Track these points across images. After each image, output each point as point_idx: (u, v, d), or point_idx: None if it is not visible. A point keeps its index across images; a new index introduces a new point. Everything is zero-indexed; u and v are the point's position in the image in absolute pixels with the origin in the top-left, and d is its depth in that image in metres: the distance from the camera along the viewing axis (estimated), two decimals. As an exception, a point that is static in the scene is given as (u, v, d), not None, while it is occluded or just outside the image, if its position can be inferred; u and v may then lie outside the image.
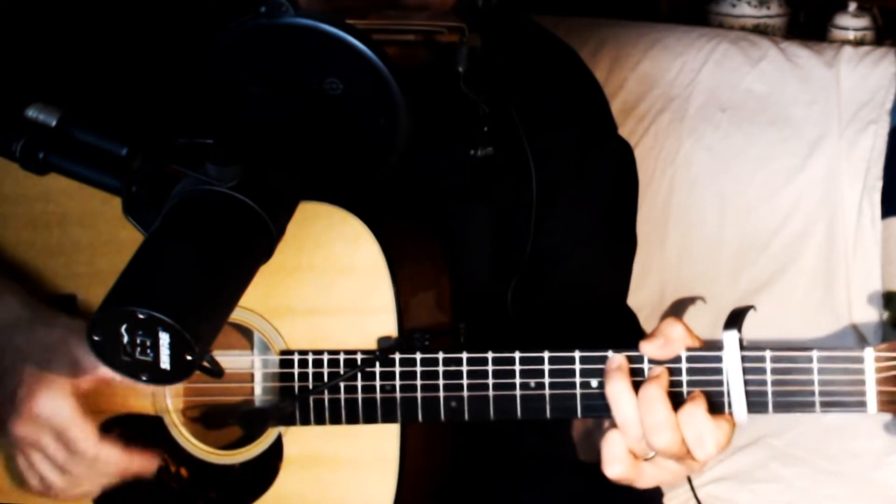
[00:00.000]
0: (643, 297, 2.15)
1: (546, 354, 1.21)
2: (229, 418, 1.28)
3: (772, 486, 2.03)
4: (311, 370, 1.24)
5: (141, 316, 0.95)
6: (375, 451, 1.25)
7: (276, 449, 1.27)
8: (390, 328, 1.24)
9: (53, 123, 1.06)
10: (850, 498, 2.01)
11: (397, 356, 1.22)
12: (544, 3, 2.06)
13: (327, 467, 1.26)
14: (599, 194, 1.47)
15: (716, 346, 1.18)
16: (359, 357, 1.23)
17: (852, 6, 2.47)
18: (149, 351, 0.96)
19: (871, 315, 2.18)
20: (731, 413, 1.19)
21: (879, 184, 2.19)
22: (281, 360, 1.25)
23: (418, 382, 1.22)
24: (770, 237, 2.23)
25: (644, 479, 1.20)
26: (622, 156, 1.53)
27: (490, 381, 1.22)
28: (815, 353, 1.18)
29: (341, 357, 1.23)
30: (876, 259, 2.18)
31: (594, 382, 1.20)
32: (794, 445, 2.09)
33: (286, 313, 1.25)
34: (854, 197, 2.21)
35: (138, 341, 0.96)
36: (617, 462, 1.18)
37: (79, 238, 1.28)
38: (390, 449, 1.25)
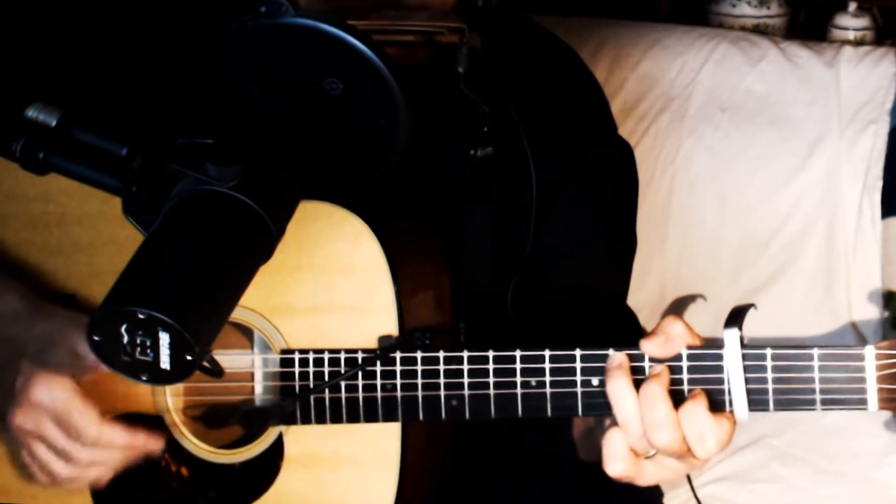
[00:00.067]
0: (643, 297, 2.15)
1: (547, 353, 1.21)
2: (230, 417, 1.28)
3: (772, 486, 2.03)
4: (311, 369, 1.24)
5: (141, 316, 0.95)
6: (376, 449, 1.25)
7: (277, 448, 1.27)
8: (391, 327, 1.24)
9: (53, 123, 1.06)
10: (850, 498, 2.01)
11: (398, 355, 1.22)
12: (544, 3, 2.06)
13: (328, 466, 1.26)
14: (599, 194, 1.47)
15: (716, 344, 1.18)
16: (360, 356, 1.23)
17: (852, 6, 2.47)
18: (149, 351, 0.96)
19: (871, 315, 2.18)
20: (731, 411, 1.19)
21: (879, 184, 2.19)
22: (281, 360, 1.25)
23: (419, 381, 1.22)
24: (770, 237, 2.23)
25: (645, 477, 1.20)
26: (622, 156, 1.53)
27: (491, 379, 1.22)
28: (815, 351, 1.18)
29: (342, 356, 1.23)
30: (876, 259, 2.18)
31: (595, 381, 1.20)
32: (794, 445, 2.09)
33: (287, 312, 1.25)
34: (854, 197, 2.21)
35: (138, 341, 0.96)
36: (618, 460, 1.18)
37: (79, 238, 1.28)
38: (391, 448, 1.25)
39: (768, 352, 1.18)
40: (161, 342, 0.95)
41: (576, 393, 1.21)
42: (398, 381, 1.23)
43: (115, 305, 0.95)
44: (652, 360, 1.19)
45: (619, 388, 1.17)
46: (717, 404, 1.18)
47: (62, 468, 1.20)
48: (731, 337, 1.17)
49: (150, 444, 1.22)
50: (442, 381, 1.22)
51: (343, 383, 1.23)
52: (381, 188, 1.16)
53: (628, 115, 2.25)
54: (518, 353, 1.21)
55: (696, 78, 2.27)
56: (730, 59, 2.29)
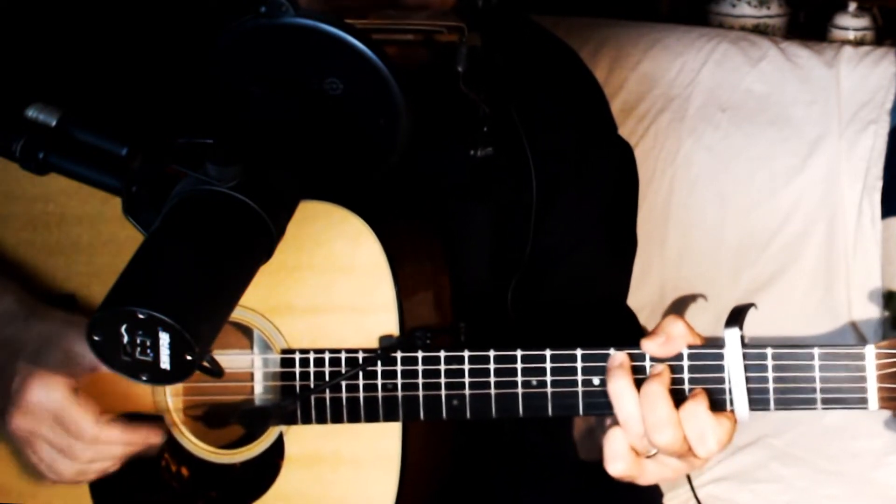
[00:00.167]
0: (643, 296, 2.15)
1: (548, 352, 1.21)
2: (230, 417, 1.28)
3: (772, 486, 2.03)
4: (312, 369, 1.24)
5: (141, 316, 0.95)
6: (377, 449, 1.25)
7: (278, 448, 1.27)
8: (391, 327, 1.24)
9: (53, 123, 1.06)
10: (850, 498, 2.01)
11: (399, 355, 1.22)
12: (544, 3, 2.06)
13: (329, 466, 1.26)
14: (599, 194, 1.47)
15: (717, 343, 1.18)
16: (360, 356, 1.23)
17: (852, 6, 2.47)
18: (149, 351, 0.96)
19: (871, 314, 2.18)
20: (732, 410, 1.19)
21: (879, 184, 2.19)
22: (282, 359, 1.25)
23: (420, 381, 1.22)
24: (770, 237, 2.23)
25: (646, 476, 1.20)
26: (622, 156, 1.53)
27: (492, 379, 1.22)
28: (816, 350, 1.18)
29: (343, 356, 1.23)
30: (876, 259, 2.18)
31: (596, 380, 1.20)
32: (794, 445, 2.09)
33: (287, 312, 1.25)
34: (854, 197, 2.21)
35: (138, 341, 0.96)
36: (619, 459, 1.18)
37: (79, 238, 1.28)
38: (392, 447, 1.25)
39: (769, 351, 1.18)
40: (161, 342, 0.95)
41: (577, 392, 1.21)
42: (399, 381, 1.23)
43: (115, 305, 0.95)
44: (653, 359, 1.19)
45: (620, 387, 1.17)
46: (717, 403, 1.18)
47: (68, 465, 1.20)
48: (731, 336, 1.18)
49: (150, 437, 1.22)
50: (443, 380, 1.22)
51: (344, 383, 1.23)
52: (381, 188, 1.16)
53: (628, 115, 2.25)
54: (519, 353, 1.21)
55: (696, 78, 2.27)
56: (730, 59, 2.29)
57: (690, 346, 1.19)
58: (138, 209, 1.05)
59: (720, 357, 1.19)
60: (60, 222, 1.28)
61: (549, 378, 1.21)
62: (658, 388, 1.16)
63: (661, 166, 2.23)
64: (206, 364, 1.09)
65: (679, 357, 1.19)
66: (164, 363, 0.96)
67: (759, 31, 2.48)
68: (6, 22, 1.36)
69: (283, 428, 1.26)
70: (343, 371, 1.23)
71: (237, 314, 1.23)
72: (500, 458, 1.45)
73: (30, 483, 1.25)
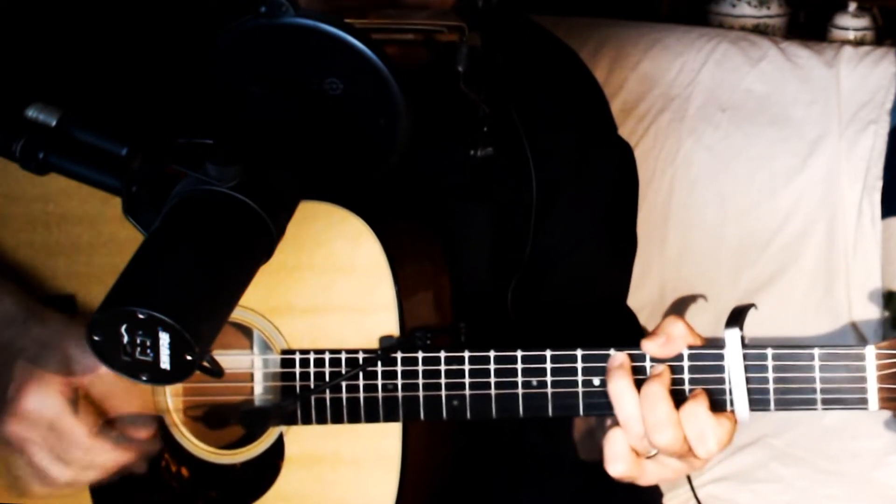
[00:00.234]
0: (643, 297, 2.15)
1: (548, 353, 1.21)
2: (230, 418, 1.28)
3: (772, 486, 2.03)
4: (312, 369, 1.24)
5: (141, 316, 0.95)
6: (377, 449, 1.25)
7: (278, 448, 1.26)
8: (391, 327, 1.24)
9: (53, 123, 1.06)
10: (850, 498, 2.01)
11: (399, 355, 1.22)
12: (544, 3, 2.06)
13: (329, 466, 1.26)
14: (599, 194, 1.47)
15: (717, 344, 1.19)
16: (361, 356, 1.23)
17: (852, 6, 2.47)
18: (149, 351, 0.96)
19: (871, 315, 2.18)
20: (732, 410, 1.19)
21: (879, 184, 2.19)
22: (282, 360, 1.25)
23: (420, 381, 1.22)
24: (770, 237, 2.23)
25: (646, 476, 1.20)
26: (622, 156, 1.53)
27: (492, 379, 1.22)
28: (816, 351, 1.18)
29: (343, 356, 1.23)
30: (876, 259, 2.18)
31: (596, 381, 1.20)
32: (794, 445, 2.09)
33: (287, 312, 1.25)
34: (854, 197, 2.21)
35: (138, 341, 0.96)
36: (619, 460, 1.18)
37: (78, 238, 1.28)
38: (392, 448, 1.25)
39: (769, 352, 1.18)
40: (161, 342, 0.95)
41: (577, 393, 1.21)
42: (399, 381, 1.23)
43: (115, 305, 0.95)
44: (653, 360, 1.20)
45: (620, 387, 1.17)
46: (718, 404, 1.18)
47: (60, 471, 1.19)
48: (732, 337, 1.18)
49: (135, 461, 1.21)
50: (443, 381, 1.22)
51: (344, 383, 1.23)
52: (381, 188, 1.16)
53: (628, 115, 2.25)
54: (519, 353, 1.21)
55: (696, 78, 2.27)
56: (730, 59, 2.29)
57: (691, 347, 1.19)
58: (138, 209, 1.04)
59: (720, 357, 1.19)
60: (60, 222, 1.28)
61: (549, 378, 1.21)
62: (658, 389, 1.16)
63: (661, 166, 2.23)
64: (206, 364, 1.09)
65: (679, 357, 1.19)
66: (164, 363, 0.96)
67: (759, 31, 2.48)
68: (6, 22, 1.36)
69: (283, 428, 1.26)
70: (343, 371, 1.23)
71: (237, 314, 1.22)
72: (500, 459, 1.45)
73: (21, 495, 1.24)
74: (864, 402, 1.18)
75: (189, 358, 0.96)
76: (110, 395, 1.19)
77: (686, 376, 1.19)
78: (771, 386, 1.18)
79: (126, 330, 0.96)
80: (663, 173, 2.23)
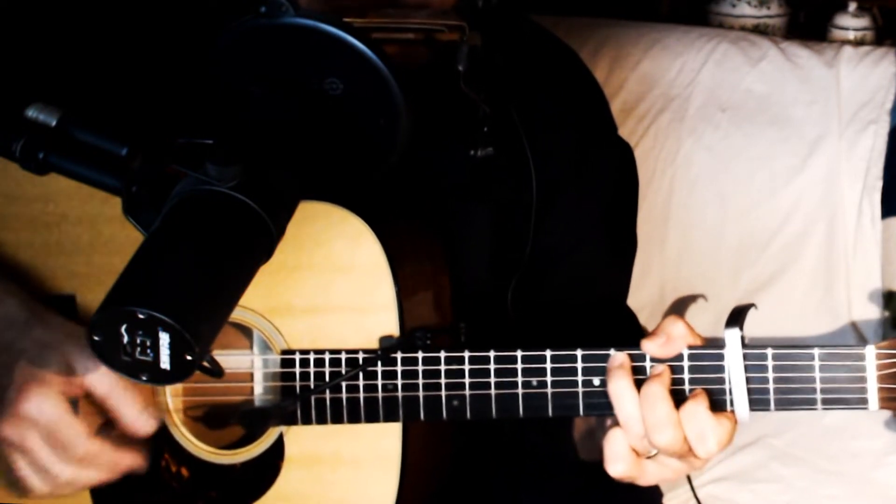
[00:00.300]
0: (643, 297, 2.15)
1: (548, 353, 1.21)
2: (230, 418, 1.28)
3: (772, 486, 2.03)
4: (312, 369, 1.24)
5: (141, 316, 0.95)
6: (377, 450, 1.25)
7: (278, 448, 1.26)
8: (391, 327, 1.23)
9: (53, 123, 1.06)
10: (850, 498, 2.01)
11: (399, 355, 1.22)
12: (544, 3, 2.06)
13: (329, 466, 1.26)
14: (599, 194, 1.47)
15: (717, 344, 1.19)
16: (360, 356, 1.23)
17: (852, 6, 2.47)
18: (149, 351, 0.96)
19: (871, 315, 2.18)
20: (732, 410, 1.19)
21: (879, 184, 2.19)
22: (282, 360, 1.25)
23: (420, 381, 1.22)
24: (770, 237, 2.22)
25: (646, 477, 1.20)
26: (622, 156, 1.53)
27: (492, 379, 1.22)
28: (816, 351, 1.18)
29: (343, 356, 1.23)
30: (876, 259, 2.18)
31: (596, 381, 1.20)
32: (794, 445, 2.09)
33: (287, 312, 1.25)
34: (854, 197, 2.20)
35: (138, 341, 0.96)
36: (619, 460, 1.18)
37: (79, 238, 1.28)
38: (392, 448, 1.25)
39: (769, 352, 1.18)
40: (161, 342, 0.95)
41: (577, 393, 1.21)
42: (399, 382, 1.23)
43: (115, 305, 0.95)
44: (653, 360, 1.20)
45: (620, 387, 1.17)
46: (718, 404, 1.18)
47: (38, 483, 1.18)
48: (732, 337, 1.18)
49: (136, 462, 1.20)
50: (443, 381, 1.22)
51: (344, 383, 1.23)
52: (381, 188, 1.16)
53: (628, 115, 2.25)
54: (519, 353, 1.21)
55: (696, 78, 2.27)
56: (730, 59, 2.29)
57: (691, 347, 1.19)
58: (138, 209, 1.04)
59: (720, 357, 1.19)
60: (60, 222, 1.28)
61: (549, 378, 1.21)
62: (658, 389, 1.16)
63: (661, 166, 2.23)
64: (206, 364, 1.09)
65: (679, 357, 1.19)
66: (164, 363, 0.96)
67: (759, 31, 2.48)
68: (6, 22, 1.36)
69: (283, 428, 1.26)
70: (343, 371, 1.23)
71: (237, 314, 1.22)
72: (499, 459, 1.45)
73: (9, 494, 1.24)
74: (864, 402, 1.18)
75: (189, 358, 0.96)
76: (111, 396, 1.18)
77: (686, 376, 1.19)
78: (771, 386, 1.18)
79: (126, 330, 0.96)
80: (663, 173, 2.23)
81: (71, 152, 1.06)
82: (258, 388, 1.27)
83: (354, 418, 1.23)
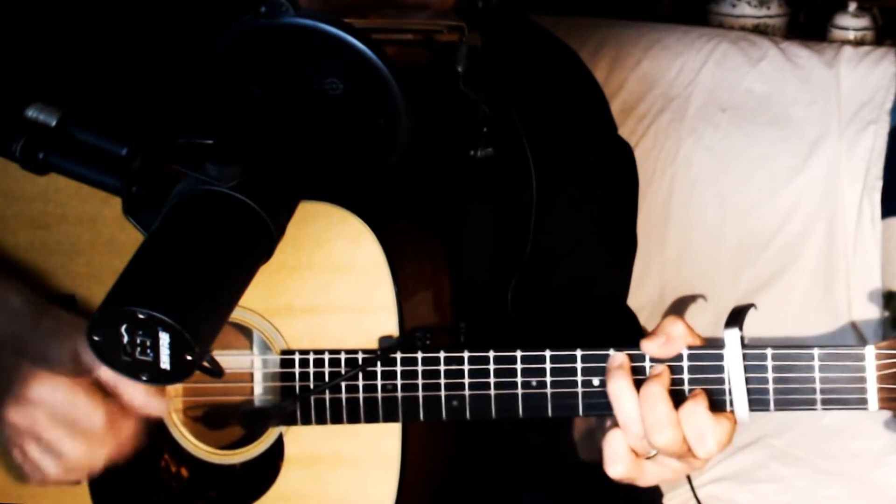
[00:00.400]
0: (643, 297, 2.15)
1: (547, 353, 1.21)
2: (230, 418, 1.28)
3: (772, 486, 2.03)
4: (311, 370, 1.24)
5: (141, 316, 0.94)
6: (377, 450, 1.25)
7: (277, 448, 1.26)
8: (391, 327, 1.23)
9: (53, 123, 1.06)
10: (850, 498, 2.01)
11: (399, 355, 1.22)
12: (544, 3, 2.06)
13: (328, 466, 1.26)
14: (599, 194, 1.47)
15: (717, 344, 1.19)
16: (360, 356, 1.23)
17: (852, 6, 2.47)
18: (149, 351, 0.96)
19: (870, 315, 2.18)
20: (732, 411, 1.19)
21: (879, 184, 2.19)
22: (282, 360, 1.25)
23: (420, 382, 1.22)
24: (770, 237, 2.23)
25: (646, 477, 1.20)
26: (622, 156, 1.53)
27: (492, 379, 1.22)
28: (816, 351, 1.18)
29: (342, 356, 1.23)
30: (876, 259, 2.18)
31: (596, 381, 1.20)
32: (794, 445, 2.09)
33: (286, 312, 1.25)
34: (854, 197, 2.21)
35: (138, 341, 0.96)
36: (619, 461, 1.18)
37: (78, 238, 1.28)
38: (391, 448, 1.25)
39: (769, 352, 1.18)
40: (161, 342, 0.95)
41: (576, 393, 1.21)
42: (399, 382, 1.23)
43: (115, 305, 0.95)
44: (652, 360, 1.20)
45: (619, 388, 1.17)
46: (717, 404, 1.18)
47: (51, 466, 1.18)
48: (731, 337, 1.18)
49: (160, 409, 1.19)
50: (443, 381, 1.22)
51: (343, 384, 1.23)
52: (381, 188, 1.16)
53: (628, 115, 2.25)
54: (519, 354, 1.21)
55: (696, 78, 2.28)
56: (730, 59, 2.29)
57: (690, 347, 1.19)
58: (138, 209, 1.04)
59: (720, 357, 1.18)
60: (60, 222, 1.28)
61: (548, 378, 1.21)
62: (657, 389, 1.16)
63: (661, 166, 2.23)
64: (206, 364, 1.09)
65: (679, 358, 1.19)
66: (164, 363, 0.96)
67: (759, 31, 2.48)
68: (6, 22, 1.36)
69: (282, 428, 1.26)
70: (343, 372, 1.23)
71: (237, 314, 1.22)
72: (499, 459, 1.45)
73: (22, 484, 1.24)
74: (863, 402, 1.18)
75: (189, 358, 0.96)
76: (120, 382, 1.18)
77: (686, 376, 1.19)
78: (771, 386, 1.18)
79: (126, 330, 0.96)
80: (663, 173, 2.23)
81: (71, 152, 1.05)
82: (258, 388, 1.27)
83: (354, 418, 1.23)
